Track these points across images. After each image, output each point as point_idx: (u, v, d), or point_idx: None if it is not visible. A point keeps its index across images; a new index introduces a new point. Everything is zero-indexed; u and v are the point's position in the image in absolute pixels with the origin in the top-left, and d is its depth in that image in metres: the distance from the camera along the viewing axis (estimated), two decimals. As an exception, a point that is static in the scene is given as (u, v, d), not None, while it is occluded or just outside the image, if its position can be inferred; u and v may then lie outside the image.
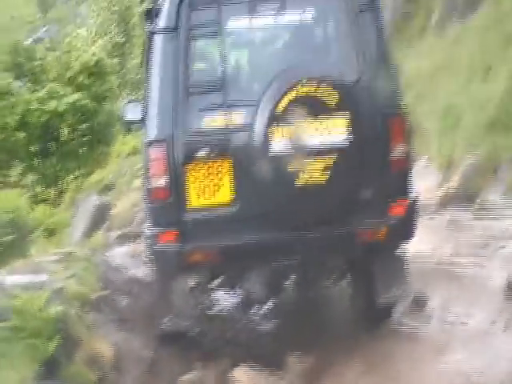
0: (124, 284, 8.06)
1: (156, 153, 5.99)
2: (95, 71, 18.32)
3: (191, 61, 6.05)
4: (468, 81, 11.65)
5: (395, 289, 6.43)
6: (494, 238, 8.53)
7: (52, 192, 16.84)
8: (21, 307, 5.39)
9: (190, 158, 5.95)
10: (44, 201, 15.89)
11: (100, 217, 12.32)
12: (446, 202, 9.80)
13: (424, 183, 10.38)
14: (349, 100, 5.78)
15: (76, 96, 16.97)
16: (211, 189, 5.97)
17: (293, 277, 6.37)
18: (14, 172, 17.58)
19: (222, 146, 5.95)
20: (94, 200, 12.70)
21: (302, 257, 6.10)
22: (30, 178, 17.76)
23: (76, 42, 20.61)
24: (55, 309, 5.46)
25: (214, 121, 5.98)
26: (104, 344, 6.06)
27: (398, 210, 6.06)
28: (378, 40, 6.13)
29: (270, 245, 5.99)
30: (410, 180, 6.22)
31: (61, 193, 17.13)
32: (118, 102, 19.33)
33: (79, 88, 17.86)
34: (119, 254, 9.52)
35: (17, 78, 19.19)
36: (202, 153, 5.93)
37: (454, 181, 9.94)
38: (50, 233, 10.72)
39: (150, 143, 6.06)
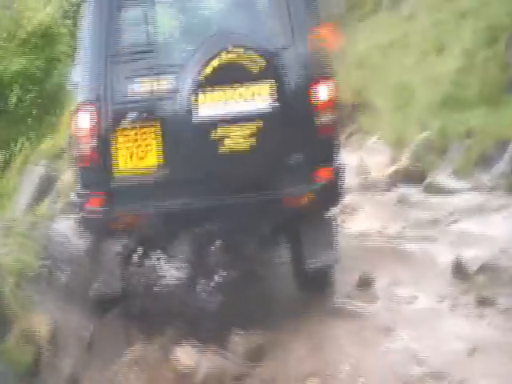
0: (65, 258, 7.80)
1: (85, 116, 5.99)
2: (48, 33, 17.34)
3: (120, 25, 6.12)
4: (421, 58, 11.58)
5: (324, 253, 6.38)
6: (442, 216, 8.46)
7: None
8: None
9: (117, 122, 5.96)
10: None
11: (46, 186, 11.96)
12: (395, 180, 9.70)
13: (374, 160, 10.30)
14: (274, 67, 5.78)
15: (24, 62, 16.06)
16: (138, 154, 5.99)
17: (219, 244, 6.12)
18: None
19: (148, 112, 5.97)
20: (41, 169, 12.32)
21: (224, 222, 6.02)
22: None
23: (30, 1, 19.76)
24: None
25: (142, 86, 6.01)
26: (40, 321, 5.80)
27: (323, 176, 6.06)
28: (306, 7, 6.15)
29: (193, 210, 6.00)
30: (337, 147, 6.24)
31: (9, 160, 16.43)
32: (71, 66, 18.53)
33: (31, 50, 16.92)
34: (63, 226, 9.25)
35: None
36: (129, 118, 5.95)
37: (405, 158, 9.82)
38: None
39: (79, 106, 6.05)
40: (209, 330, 6.26)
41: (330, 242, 6.48)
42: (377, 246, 7.72)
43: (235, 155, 5.75)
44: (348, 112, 12.25)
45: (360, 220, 6.95)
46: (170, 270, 7.93)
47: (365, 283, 7.04)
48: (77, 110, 6.06)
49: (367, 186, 9.58)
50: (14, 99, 16.15)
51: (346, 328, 6.34)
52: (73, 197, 6.42)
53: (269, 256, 7.48)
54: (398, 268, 7.23)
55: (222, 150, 5.75)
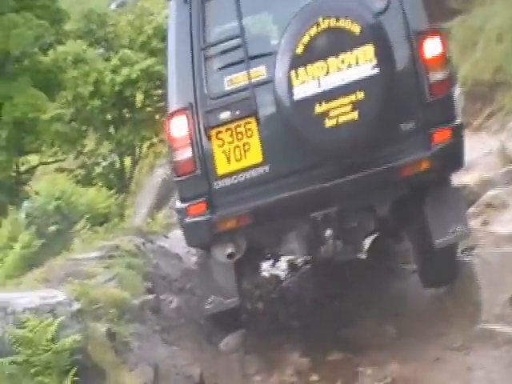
0: (178, 278, 7.01)
1: (178, 124, 5.62)
2: None
3: (206, 22, 5.74)
4: None
5: (454, 225, 5.68)
6: None
7: (128, 161, 16.15)
8: (30, 337, 4.34)
9: (214, 122, 5.55)
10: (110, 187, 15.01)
11: (166, 193, 11.22)
12: None
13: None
14: (372, 30, 5.29)
15: (148, 62, 16.07)
16: (241, 151, 5.58)
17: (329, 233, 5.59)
18: (90, 141, 16.99)
19: (245, 104, 5.54)
20: (161, 173, 11.58)
21: (341, 204, 5.55)
22: (106, 146, 17.01)
23: (148, 5, 19.59)
24: (70, 338, 4.37)
25: (236, 79, 5.61)
26: (139, 370, 4.99)
27: (441, 138, 5.51)
28: None
29: (306, 196, 5.52)
30: (453, 104, 5.68)
31: (136, 162, 16.20)
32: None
33: (152, 53, 16.92)
34: (179, 238, 8.48)
35: (90, 45, 18.35)
36: (225, 115, 5.53)
37: None
38: (106, 218, 9.69)
39: (171, 114, 5.66)
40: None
41: (459, 212, 5.77)
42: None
43: (342, 129, 5.24)
44: (487, 90, 10.92)
45: (509, 220, 5.80)
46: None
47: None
48: (169, 118, 5.67)
49: (511, 177, 8.21)
50: (139, 101, 15.91)
51: (497, 357, 5.23)
52: (177, 205, 5.87)
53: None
54: None
55: (328, 125, 5.24)
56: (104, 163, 16.20)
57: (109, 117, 16.70)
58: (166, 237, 8.37)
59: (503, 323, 5.63)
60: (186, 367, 5.52)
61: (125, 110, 16.82)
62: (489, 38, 11.85)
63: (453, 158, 5.63)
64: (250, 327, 6.31)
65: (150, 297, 6.08)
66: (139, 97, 16.84)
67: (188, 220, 5.63)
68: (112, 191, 12.54)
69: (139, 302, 5.90)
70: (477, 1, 13.48)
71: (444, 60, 5.55)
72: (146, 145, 16.11)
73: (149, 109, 17.21)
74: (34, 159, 21.32)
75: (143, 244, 7.35)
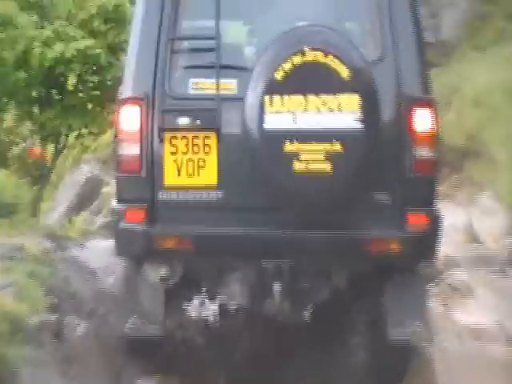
0: (89, 299, 6.08)
1: (129, 114, 5.13)
2: (113, 17, 15.87)
3: (179, 12, 5.25)
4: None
5: (413, 322, 5.21)
6: None
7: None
8: None
9: (170, 125, 5.08)
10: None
11: (89, 194, 10.23)
12: (516, 257, 7.71)
13: (487, 224, 8.38)
14: (362, 79, 4.85)
15: (87, 42, 14.64)
16: (194, 166, 5.12)
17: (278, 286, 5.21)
18: (10, 117, 15.90)
19: (209, 116, 5.08)
20: (86, 171, 10.56)
21: (296, 259, 5.12)
22: (27, 126, 15.78)
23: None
24: None
25: (202, 85, 5.18)
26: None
27: (418, 221, 5.09)
28: (408, 14, 5.27)
29: (259, 239, 5.08)
30: (435, 190, 5.25)
31: (57, 155, 15.06)
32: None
33: (92, 34, 15.57)
34: (97, 249, 7.56)
35: (22, 9, 16.80)
36: (184, 121, 5.07)
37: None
38: (14, 211, 8.56)
39: (124, 101, 5.19)
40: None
41: (421, 309, 5.31)
42: (494, 352, 5.76)
43: (311, 179, 4.81)
44: (457, 157, 10.39)
45: (473, 310, 5.17)
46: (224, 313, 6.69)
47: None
48: (121, 105, 5.19)
49: (478, 260, 7.62)
50: (71, 84, 14.68)
51: None
52: (113, 204, 5.34)
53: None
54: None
55: (296, 169, 4.79)
56: (23, 145, 14.96)
57: (34, 94, 15.32)
58: (83, 246, 7.45)
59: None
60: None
61: (54, 91, 15.48)
62: (464, 100, 11.37)
63: (426, 246, 5.17)
64: (167, 373, 5.47)
65: (53, 317, 5.12)
66: (71, 79, 15.51)
67: (123, 225, 5.12)
68: (27, 179, 11.46)
69: (38, 321, 4.95)
70: (455, 55, 13.09)
71: (434, 137, 5.08)
72: (73, 135, 14.94)
73: (81, 95, 15.83)
74: None
75: (54, 250, 6.41)
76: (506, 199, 8.96)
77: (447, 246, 8.01)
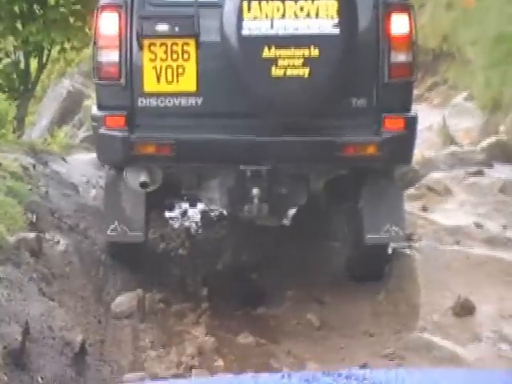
0: (70, 214, 5.71)
1: (108, 20, 4.89)
2: None
3: None
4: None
5: (389, 225, 5.10)
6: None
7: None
8: None
9: (149, 32, 4.82)
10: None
11: (71, 107, 9.70)
12: (491, 157, 7.34)
13: (462, 125, 8.01)
14: None
15: None
16: (173, 72, 4.89)
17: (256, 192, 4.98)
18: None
19: (187, 23, 4.82)
20: (67, 85, 9.98)
21: (274, 164, 4.93)
22: (11, 43, 15.05)
23: None
24: None
25: None
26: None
27: (392, 125, 4.90)
28: None
29: (237, 144, 4.94)
30: (411, 94, 5.11)
31: (41, 68, 14.44)
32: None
33: None
34: (79, 163, 7.14)
35: None
36: (163, 27, 4.81)
37: (503, 129, 7.47)
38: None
39: (103, 8, 4.91)
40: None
41: (397, 211, 5.19)
42: (477, 253, 5.46)
43: (288, 83, 4.64)
44: (431, 60, 9.94)
45: (450, 210, 4.89)
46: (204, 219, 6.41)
47: (462, 310, 4.87)
48: (98, 14, 4.89)
49: (456, 161, 7.25)
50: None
51: None
52: (93, 111, 5.13)
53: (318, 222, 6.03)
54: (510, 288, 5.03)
55: (273, 74, 4.62)
56: (7, 60, 14.26)
57: (16, 9, 14.56)
58: (64, 160, 7.02)
59: (443, 335, 4.68)
60: (66, 331, 4.23)
61: (35, 6, 14.73)
62: (438, 3, 10.84)
63: (401, 151, 5.01)
64: (149, 287, 5.16)
65: (31, 234, 4.74)
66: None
67: (103, 131, 4.94)
68: (12, 95, 10.88)
69: (16, 240, 4.57)
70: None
71: (410, 41, 4.90)
72: (56, 48, 14.31)
73: (62, 9, 15.12)
74: None
75: (33, 166, 5.98)
76: (481, 99, 8.56)
77: (424, 148, 7.69)
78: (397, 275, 5.32)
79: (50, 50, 14.83)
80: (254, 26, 4.60)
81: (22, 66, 14.64)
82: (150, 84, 4.88)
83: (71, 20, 14.84)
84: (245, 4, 4.58)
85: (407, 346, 4.62)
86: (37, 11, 14.71)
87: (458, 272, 5.14)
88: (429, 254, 5.41)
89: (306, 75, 4.64)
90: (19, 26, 14.57)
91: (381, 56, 4.88)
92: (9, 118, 9.00)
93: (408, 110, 5.03)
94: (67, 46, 14.56)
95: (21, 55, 15.05)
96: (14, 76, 13.97)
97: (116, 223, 5.10)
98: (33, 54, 14.68)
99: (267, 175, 4.94)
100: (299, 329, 4.91)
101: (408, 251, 5.49)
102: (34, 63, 14.91)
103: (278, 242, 5.89)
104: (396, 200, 5.24)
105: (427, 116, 8.42)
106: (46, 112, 10.84)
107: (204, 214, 6.71)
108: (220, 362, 4.50)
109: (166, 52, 4.85)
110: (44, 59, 14.58)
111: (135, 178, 4.99)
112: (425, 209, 6.43)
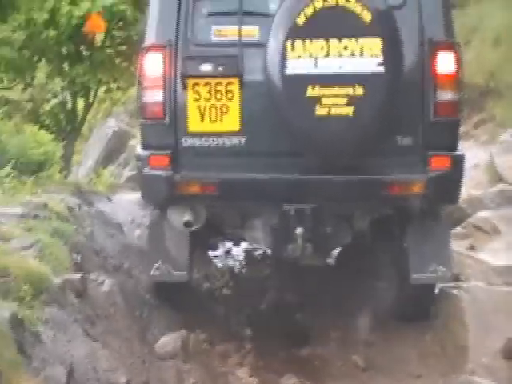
0: (114, 254, 5.76)
1: (153, 60, 4.98)
2: None
3: None
4: None
5: (435, 264, 5.10)
6: None
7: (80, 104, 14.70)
8: None
9: (193, 72, 4.93)
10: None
11: (116, 147, 9.82)
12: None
13: (510, 162, 7.90)
14: (384, 23, 4.72)
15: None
16: (217, 112, 4.96)
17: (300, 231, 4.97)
18: (41, 74, 15.49)
19: (231, 62, 4.91)
20: (113, 124, 10.12)
21: (318, 203, 4.95)
22: (58, 83, 15.32)
23: None
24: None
25: (224, 31, 5.01)
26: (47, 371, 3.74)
27: (439, 164, 4.91)
28: None
29: (281, 183, 4.95)
30: (457, 132, 5.07)
31: (90, 106, 14.66)
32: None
33: None
34: (124, 203, 7.21)
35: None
36: (207, 67, 4.91)
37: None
38: (40, 168, 8.15)
39: (147, 49, 5.03)
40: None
41: (443, 251, 5.17)
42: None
43: (333, 122, 4.70)
44: (477, 97, 9.87)
45: (498, 250, 4.86)
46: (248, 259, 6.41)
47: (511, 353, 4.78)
48: (145, 53, 5.01)
49: (503, 199, 7.17)
50: (99, 40, 14.25)
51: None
52: (138, 151, 5.23)
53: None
54: None
55: (317, 113, 4.67)
56: (54, 100, 14.52)
57: (64, 51, 14.87)
58: (109, 200, 7.10)
59: (492, 378, 4.60)
60: (110, 372, 4.28)
61: (82, 47, 15.03)
62: (484, 40, 10.80)
63: (448, 189, 5.04)
64: (193, 327, 5.16)
65: (76, 275, 4.79)
66: (99, 35, 15.12)
67: (147, 170, 5.01)
68: (59, 135, 11.06)
69: (61, 281, 4.60)
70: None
71: (456, 80, 4.92)
72: (102, 89, 14.56)
73: (109, 50, 15.41)
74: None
75: (79, 206, 6.05)
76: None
77: (471, 186, 7.61)
78: (444, 316, 5.27)
79: (96, 90, 15.10)
80: (297, 65, 4.67)
81: (69, 106, 14.89)
82: (194, 123, 4.95)
83: (117, 61, 15.14)
84: (289, 43, 4.65)
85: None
86: (84, 52, 15.03)
87: (507, 313, 5.04)
88: (476, 294, 5.32)
89: (351, 114, 4.68)
90: (66, 67, 14.87)
91: (426, 94, 4.90)
92: (56, 159, 9.13)
93: (455, 148, 5.03)
94: (113, 86, 14.83)
95: (68, 95, 15.34)
96: (62, 116, 14.25)
97: (160, 262, 5.15)
98: (79, 94, 14.95)
99: (311, 214, 4.95)
100: (344, 370, 4.88)
101: (455, 291, 5.41)
102: (80, 103, 15.19)
103: (322, 282, 5.86)
104: (443, 239, 5.21)
105: (474, 153, 8.36)
106: (91, 151, 11.01)
107: (248, 252, 6.72)
108: (264, 404, 4.49)
109: (209, 92, 4.93)
110: (91, 99, 14.86)
111: (179, 218, 5.04)
112: (472, 248, 6.36)
